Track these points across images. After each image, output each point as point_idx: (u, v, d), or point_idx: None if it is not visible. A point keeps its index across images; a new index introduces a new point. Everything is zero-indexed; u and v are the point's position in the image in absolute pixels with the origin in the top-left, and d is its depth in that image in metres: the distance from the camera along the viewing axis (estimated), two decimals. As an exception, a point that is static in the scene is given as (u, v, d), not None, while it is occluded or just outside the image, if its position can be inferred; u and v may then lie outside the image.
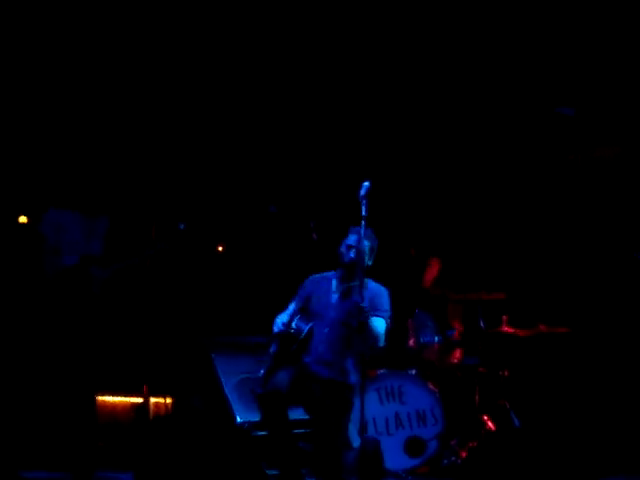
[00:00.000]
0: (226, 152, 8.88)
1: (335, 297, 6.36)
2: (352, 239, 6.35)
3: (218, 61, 8.45)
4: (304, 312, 6.37)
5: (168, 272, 8.04)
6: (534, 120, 8.67)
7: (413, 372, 7.26)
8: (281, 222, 7.20)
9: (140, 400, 7.77)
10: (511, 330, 7.71)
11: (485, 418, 7.40)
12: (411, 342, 7.56)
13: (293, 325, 6.27)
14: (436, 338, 7.58)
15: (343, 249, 6.38)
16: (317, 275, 6.59)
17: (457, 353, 7.75)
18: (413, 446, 6.94)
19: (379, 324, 6.19)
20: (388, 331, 6.26)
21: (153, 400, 7.86)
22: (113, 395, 7.52)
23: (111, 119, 8.39)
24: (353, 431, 5.98)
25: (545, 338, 7.82)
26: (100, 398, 7.28)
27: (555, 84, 8.50)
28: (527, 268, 8.39)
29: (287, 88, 8.67)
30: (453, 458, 6.97)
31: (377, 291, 6.34)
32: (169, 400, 7.84)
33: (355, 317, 5.91)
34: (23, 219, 7.42)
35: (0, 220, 7.45)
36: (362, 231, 5.93)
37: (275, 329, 6.36)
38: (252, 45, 8.32)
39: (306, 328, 6.20)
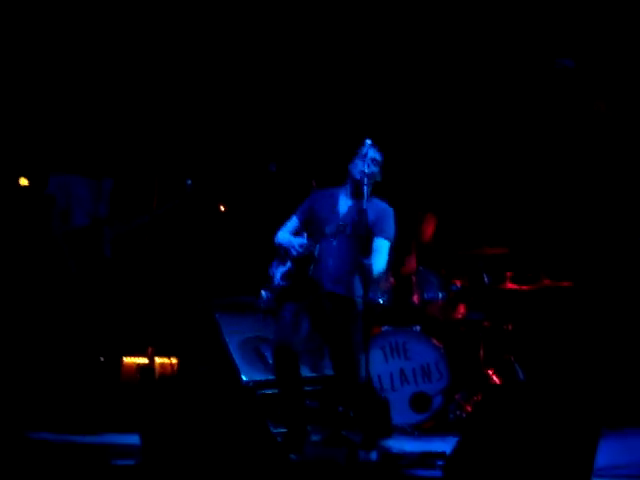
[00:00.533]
0: (226, 110, 8.85)
1: (343, 211, 6.12)
2: (374, 153, 6.10)
3: (213, 27, 8.41)
4: (307, 227, 6.20)
5: (172, 232, 8.04)
6: (534, 71, 8.61)
7: (417, 328, 7.27)
8: (281, 180, 7.15)
9: (145, 361, 7.81)
10: (515, 285, 7.73)
11: (490, 372, 7.43)
12: (415, 298, 7.56)
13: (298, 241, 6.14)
14: (440, 294, 7.58)
15: (360, 162, 6.05)
16: (321, 190, 6.38)
17: (461, 308, 7.76)
18: (419, 401, 6.98)
19: (382, 244, 6.01)
20: (391, 256, 6.07)
21: (158, 360, 7.91)
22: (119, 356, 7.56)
23: (110, 81, 8.36)
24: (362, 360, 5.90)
25: (549, 292, 7.83)
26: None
27: (556, 35, 8.45)
28: (530, 223, 8.37)
29: (287, 50, 8.63)
30: (458, 412, 7.02)
31: (384, 211, 6.13)
32: (174, 360, 7.89)
33: (363, 226, 5.81)
34: (24, 182, 7.39)
35: (4, 183, 7.44)
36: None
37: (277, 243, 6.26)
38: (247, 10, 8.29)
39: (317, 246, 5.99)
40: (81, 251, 6.88)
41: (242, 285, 8.35)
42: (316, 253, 5.97)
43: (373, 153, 6.05)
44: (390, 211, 6.14)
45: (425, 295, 7.56)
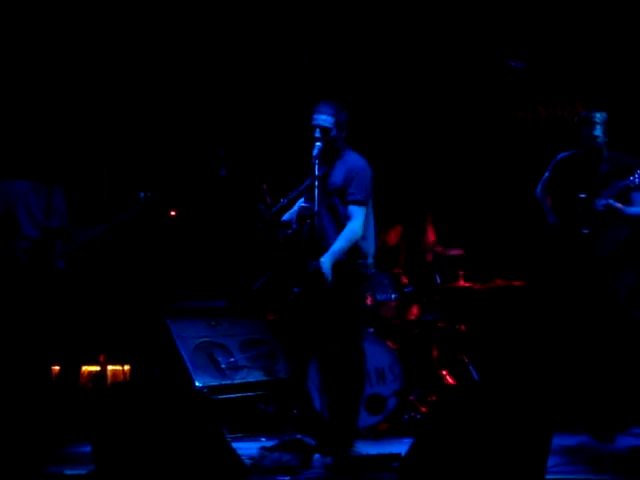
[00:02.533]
0: (175, 116, 8.80)
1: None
2: (315, 117, 5.89)
3: (159, 23, 8.38)
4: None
5: (122, 239, 7.98)
6: (484, 74, 8.68)
7: (371, 330, 7.26)
8: (232, 185, 7.13)
9: (97, 368, 7.75)
10: (468, 285, 7.77)
11: (444, 373, 7.46)
12: (368, 300, 7.56)
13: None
14: (393, 295, 7.59)
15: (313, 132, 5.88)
16: None
17: (414, 309, 7.77)
18: (373, 403, 6.96)
19: (354, 211, 5.82)
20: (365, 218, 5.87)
21: (110, 368, 7.84)
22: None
23: (58, 86, 8.29)
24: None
25: (501, 291, 7.87)
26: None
27: (506, 37, 8.52)
28: (483, 224, 8.42)
29: (238, 53, 8.62)
30: (413, 413, 7.03)
31: (353, 170, 5.90)
32: (127, 368, 7.83)
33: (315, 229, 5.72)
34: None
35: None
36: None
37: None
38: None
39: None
40: (33, 261, 6.79)
41: (193, 290, 8.33)
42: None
43: (316, 117, 5.91)
44: (361, 169, 5.92)
45: (378, 296, 7.56)
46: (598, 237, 6.37)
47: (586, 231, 6.31)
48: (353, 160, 5.96)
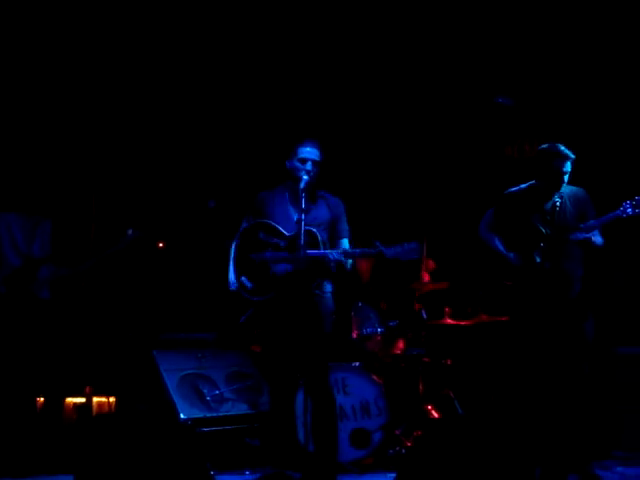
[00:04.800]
0: (163, 149, 8.84)
1: (295, 218, 5.96)
2: (309, 151, 6.03)
3: (145, 53, 8.43)
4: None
5: (109, 271, 7.98)
6: (472, 110, 8.74)
7: (357, 364, 7.26)
8: (220, 217, 7.15)
9: (83, 400, 7.71)
10: (453, 321, 7.78)
11: (429, 407, 7.45)
12: (354, 334, 7.57)
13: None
14: (379, 329, 7.59)
15: (298, 164, 6.00)
16: (265, 193, 6.21)
17: (400, 344, 7.77)
18: (358, 438, 6.95)
19: (345, 244, 6.08)
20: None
21: (96, 400, 7.81)
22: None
23: (47, 120, 8.32)
24: None
25: (486, 327, 7.88)
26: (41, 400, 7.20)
27: (494, 75, 8.60)
28: (468, 258, 8.43)
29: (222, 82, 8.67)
30: (398, 448, 7.02)
31: (339, 207, 6.14)
32: (112, 399, 7.80)
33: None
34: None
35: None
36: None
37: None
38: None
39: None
40: (13, 290, 6.78)
41: (179, 322, 8.33)
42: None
43: (315, 153, 6.04)
44: (342, 204, 6.16)
45: (364, 330, 7.57)
46: (568, 275, 6.37)
47: (547, 266, 6.31)
48: (335, 199, 6.17)
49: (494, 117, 8.71)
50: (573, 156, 6.38)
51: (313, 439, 5.80)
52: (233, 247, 6.09)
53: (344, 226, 6.10)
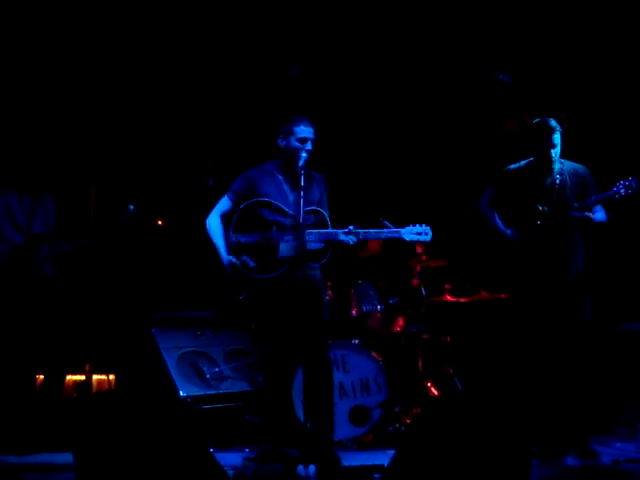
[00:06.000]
0: (162, 126, 8.82)
1: (291, 197, 6.04)
2: (307, 130, 6.03)
3: (146, 39, 8.42)
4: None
5: (109, 249, 7.97)
6: (472, 86, 8.71)
7: (356, 342, 7.26)
8: (218, 195, 7.12)
9: (82, 378, 7.72)
10: (453, 298, 7.78)
11: (429, 384, 7.46)
12: (354, 312, 7.57)
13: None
14: (378, 307, 7.60)
15: (297, 144, 5.99)
16: (252, 171, 6.20)
17: (400, 321, 7.77)
18: (357, 415, 6.96)
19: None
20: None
21: (95, 377, 7.82)
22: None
23: (46, 100, 8.31)
24: None
25: (487, 304, 7.88)
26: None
27: (493, 50, 8.56)
28: (467, 235, 8.42)
29: (225, 64, 8.66)
30: (397, 425, 7.03)
31: (322, 180, 6.19)
32: (112, 377, 7.81)
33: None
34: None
35: None
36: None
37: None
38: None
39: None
40: (16, 266, 6.77)
41: (178, 300, 8.33)
42: None
43: (309, 130, 6.04)
44: (325, 183, 6.19)
45: (364, 308, 7.57)
46: (567, 253, 6.36)
47: (544, 243, 6.30)
48: (319, 175, 6.18)
49: (494, 92, 8.68)
50: (560, 129, 6.35)
51: (308, 415, 5.81)
52: (226, 225, 6.11)
53: (326, 204, 6.14)
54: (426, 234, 5.91)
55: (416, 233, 5.90)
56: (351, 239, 5.86)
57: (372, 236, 5.99)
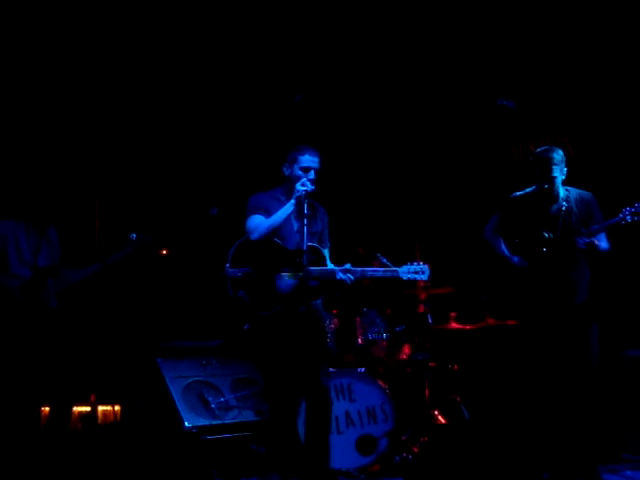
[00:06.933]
0: (166, 156, 8.83)
1: (296, 226, 6.07)
2: (312, 160, 6.07)
3: (148, 59, 8.45)
4: None
5: (114, 277, 7.96)
6: (476, 112, 8.73)
7: (362, 370, 7.23)
8: (223, 224, 7.14)
9: (88, 409, 7.69)
10: (459, 325, 7.75)
11: (436, 413, 7.42)
12: (359, 340, 7.54)
13: None
14: (384, 334, 7.57)
15: (300, 172, 6.03)
16: (262, 194, 6.20)
17: (406, 349, 7.75)
18: (364, 444, 6.91)
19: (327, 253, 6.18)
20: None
21: (101, 408, 7.78)
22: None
23: (48, 126, 8.33)
24: None
25: (493, 331, 7.85)
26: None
27: (497, 77, 8.59)
28: (473, 262, 8.41)
29: (227, 91, 8.68)
30: (405, 454, 6.97)
31: (324, 214, 6.25)
32: (117, 408, 7.78)
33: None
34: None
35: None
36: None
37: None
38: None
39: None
40: (27, 300, 6.77)
41: (183, 329, 8.31)
42: None
43: (315, 160, 6.07)
44: (327, 216, 6.25)
45: (369, 336, 7.54)
46: (573, 280, 6.34)
47: (550, 271, 6.29)
48: (322, 208, 6.26)
49: (497, 118, 8.70)
50: (564, 159, 6.35)
51: (306, 442, 5.81)
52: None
53: (327, 236, 6.21)
54: (423, 272, 5.96)
55: (413, 272, 5.96)
56: (348, 278, 5.91)
57: (369, 274, 6.00)
